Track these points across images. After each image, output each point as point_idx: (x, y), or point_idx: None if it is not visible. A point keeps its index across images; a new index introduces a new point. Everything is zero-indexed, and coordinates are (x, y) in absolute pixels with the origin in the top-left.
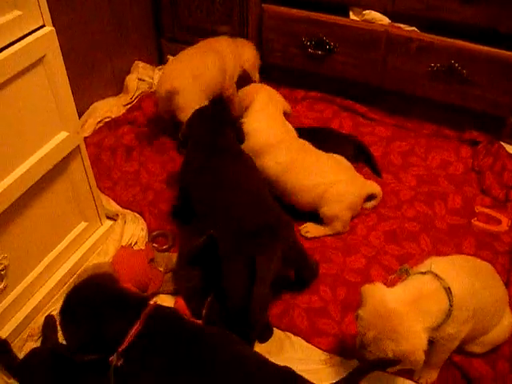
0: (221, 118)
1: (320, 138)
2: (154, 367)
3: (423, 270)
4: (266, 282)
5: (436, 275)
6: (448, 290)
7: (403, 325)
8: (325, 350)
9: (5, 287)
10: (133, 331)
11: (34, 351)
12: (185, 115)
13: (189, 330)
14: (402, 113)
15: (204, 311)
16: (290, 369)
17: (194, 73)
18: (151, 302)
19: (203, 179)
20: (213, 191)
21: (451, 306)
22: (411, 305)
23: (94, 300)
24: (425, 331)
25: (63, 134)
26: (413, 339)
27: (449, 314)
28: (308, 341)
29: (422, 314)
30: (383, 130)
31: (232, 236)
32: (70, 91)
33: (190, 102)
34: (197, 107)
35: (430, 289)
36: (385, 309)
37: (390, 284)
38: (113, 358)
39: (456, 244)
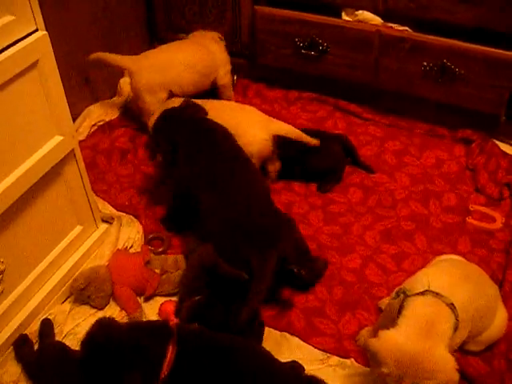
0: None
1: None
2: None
3: (420, 289)
4: (263, 281)
5: (436, 293)
6: (452, 306)
7: (433, 359)
8: (322, 350)
9: (1, 292)
10: (169, 354)
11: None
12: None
13: (218, 343)
14: (395, 112)
15: (185, 311)
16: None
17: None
18: (171, 324)
19: (204, 182)
20: (213, 192)
21: (457, 320)
22: (427, 335)
23: (117, 349)
24: (447, 350)
25: (58, 138)
26: (446, 366)
27: (456, 327)
28: (305, 341)
29: (439, 337)
30: (377, 130)
31: (232, 237)
32: (64, 95)
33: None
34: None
35: (437, 311)
36: (409, 355)
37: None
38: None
39: (451, 242)
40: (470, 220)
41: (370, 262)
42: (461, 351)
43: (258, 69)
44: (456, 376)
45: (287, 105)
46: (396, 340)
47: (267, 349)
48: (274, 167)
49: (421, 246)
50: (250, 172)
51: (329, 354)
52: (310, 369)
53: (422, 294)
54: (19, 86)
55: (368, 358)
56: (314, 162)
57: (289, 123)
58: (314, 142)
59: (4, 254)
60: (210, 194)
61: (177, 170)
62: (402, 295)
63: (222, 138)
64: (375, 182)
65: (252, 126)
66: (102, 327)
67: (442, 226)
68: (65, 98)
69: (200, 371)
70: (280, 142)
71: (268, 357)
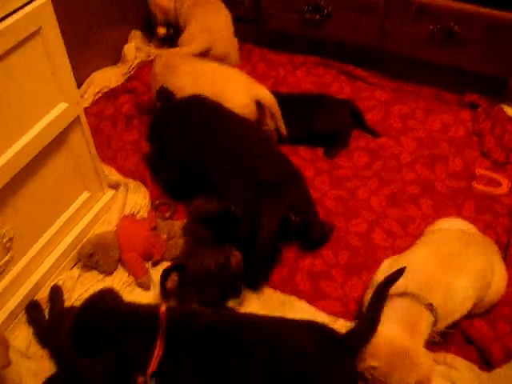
0: None
1: (314, 103)
2: (192, 371)
3: (399, 290)
4: (269, 230)
5: (413, 295)
6: (430, 306)
7: (417, 355)
8: (328, 313)
9: (11, 259)
10: (157, 350)
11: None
12: None
13: (207, 321)
14: (401, 77)
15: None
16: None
17: None
18: (162, 308)
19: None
20: (220, 148)
21: (436, 319)
22: (411, 334)
23: (106, 326)
24: (423, 347)
25: (63, 105)
26: (427, 363)
27: (434, 324)
28: (311, 304)
29: (420, 336)
30: (383, 94)
31: (243, 188)
32: (68, 62)
33: None
34: None
35: (416, 313)
36: (399, 350)
37: None
38: (141, 380)
39: (456, 207)
40: (475, 185)
41: (376, 226)
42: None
43: (263, 33)
44: (432, 372)
45: (292, 69)
46: (386, 335)
47: (273, 312)
48: (269, 128)
49: (426, 211)
50: (246, 126)
51: (335, 317)
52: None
53: (401, 296)
54: (22, 53)
55: None
56: (319, 126)
57: (294, 87)
58: (283, 130)
59: (12, 221)
60: (213, 159)
61: (169, 154)
62: None
63: (208, 109)
64: (381, 147)
65: (234, 91)
66: (97, 302)
67: (447, 190)
68: (69, 64)
69: (191, 357)
70: (286, 104)
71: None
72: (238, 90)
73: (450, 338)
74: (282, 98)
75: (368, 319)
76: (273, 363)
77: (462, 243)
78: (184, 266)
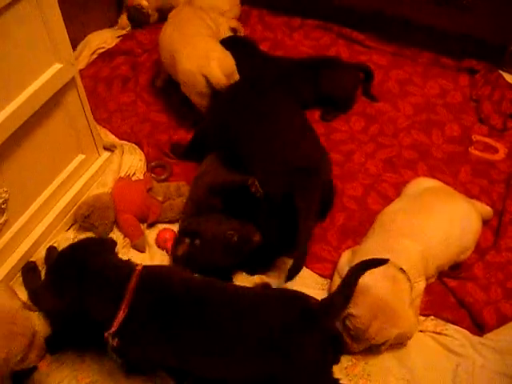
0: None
1: (326, 66)
2: (154, 335)
3: None
4: (311, 215)
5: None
6: (402, 270)
7: (401, 310)
8: (322, 276)
9: (6, 221)
10: (122, 309)
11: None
12: None
13: (180, 287)
14: (400, 41)
15: (180, 250)
16: (291, 290)
17: None
18: (138, 268)
19: (246, 116)
20: (257, 127)
21: (409, 280)
22: (394, 286)
23: (79, 270)
24: (410, 307)
25: (57, 66)
26: (410, 319)
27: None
28: (306, 266)
29: (403, 292)
30: (381, 58)
31: (276, 172)
32: (63, 22)
33: None
34: None
35: (394, 272)
36: (381, 299)
37: None
38: (107, 335)
39: (453, 172)
40: (472, 150)
41: (372, 190)
42: (459, 278)
43: None
44: (415, 331)
45: (290, 31)
46: (368, 283)
47: (268, 274)
48: None
49: (422, 176)
50: (293, 110)
51: (329, 280)
52: (310, 294)
53: None
54: (16, 12)
55: None
56: (326, 88)
57: (292, 51)
58: None
59: (7, 183)
60: (253, 132)
61: (216, 104)
62: None
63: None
64: (378, 111)
65: (186, 57)
66: (78, 250)
67: (443, 155)
68: (63, 25)
69: (155, 321)
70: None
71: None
72: (190, 58)
73: (445, 303)
74: (292, 62)
75: (342, 293)
76: (240, 333)
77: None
78: (197, 233)
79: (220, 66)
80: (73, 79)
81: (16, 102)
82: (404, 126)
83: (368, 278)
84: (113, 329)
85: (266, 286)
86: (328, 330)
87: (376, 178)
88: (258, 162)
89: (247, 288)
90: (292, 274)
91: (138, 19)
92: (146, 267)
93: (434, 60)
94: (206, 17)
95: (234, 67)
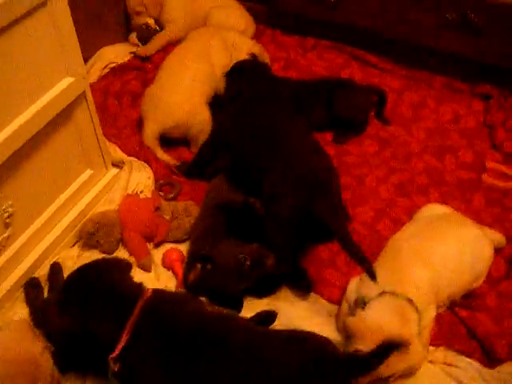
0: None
1: (339, 88)
2: (158, 364)
3: (375, 293)
4: (345, 228)
5: (391, 293)
6: (410, 301)
7: (408, 343)
8: (331, 301)
9: (11, 235)
10: (125, 333)
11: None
12: None
13: (190, 317)
14: (413, 64)
15: (191, 276)
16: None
17: None
18: (148, 290)
19: (252, 132)
20: (264, 141)
21: (417, 311)
22: (401, 321)
23: (87, 289)
24: (418, 339)
25: (69, 80)
26: (418, 350)
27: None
28: (314, 291)
29: (411, 323)
30: (394, 81)
31: (290, 187)
32: (76, 35)
33: None
34: None
35: (401, 304)
36: (388, 335)
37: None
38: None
39: (465, 198)
40: (485, 177)
41: (383, 216)
42: (470, 308)
43: (275, 15)
44: (424, 362)
45: (303, 52)
46: (375, 320)
47: (278, 297)
48: None
49: (434, 201)
50: (303, 127)
51: (337, 306)
52: (318, 321)
53: (381, 295)
54: (29, 24)
55: (344, 336)
56: (339, 109)
57: (305, 71)
58: None
59: (13, 197)
60: (260, 148)
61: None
62: (361, 305)
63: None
64: (391, 135)
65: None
66: (88, 272)
67: (456, 181)
68: (76, 38)
69: (160, 351)
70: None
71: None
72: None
73: (457, 333)
74: (306, 84)
75: (374, 354)
76: (252, 378)
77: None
78: (210, 257)
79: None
80: (83, 93)
81: (25, 116)
82: (417, 151)
83: (376, 313)
84: (115, 353)
85: (270, 314)
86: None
87: (388, 202)
88: (268, 178)
89: (262, 328)
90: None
91: (146, 38)
92: (155, 292)
93: (448, 84)
94: (222, 40)
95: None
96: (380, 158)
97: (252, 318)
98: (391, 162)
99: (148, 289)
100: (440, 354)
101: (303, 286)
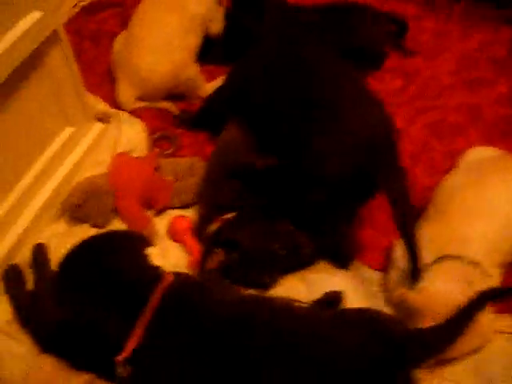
0: None
1: (354, 14)
2: (185, 368)
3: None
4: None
5: (454, 257)
6: (474, 264)
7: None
8: (374, 268)
9: None
10: (137, 330)
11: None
12: None
13: (228, 307)
14: None
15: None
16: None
17: None
18: (167, 276)
19: (285, 78)
20: (305, 89)
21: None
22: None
23: (92, 271)
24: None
25: (37, 14)
26: (487, 324)
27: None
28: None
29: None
30: (410, 8)
31: (341, 146)
32: None
33: None
34: None
35: (464, 271)
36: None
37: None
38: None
39: (508, 136)
40: None
41: (419, 161)
42: None
43: None
44: (490, 338)
45: None
46: (438, 291)
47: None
48: None
49: (475, 142)
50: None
51: (381, 273)
52: (362, 293)
53: (440, 261)
54: None
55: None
56: (355, 38)
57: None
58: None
59: None
60: (297, 97)
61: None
62: None
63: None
64: (415, 68)
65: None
66: (95, 246)
67: (496, 118)
68: None
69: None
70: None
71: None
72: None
73: None
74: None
75: (443, 330)
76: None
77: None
78: (234, 243)
79: None
80: (56, 32)
81: None
82: (447, 85)
83: (438, 285)
84: (124, 354)
85: (337, 295)
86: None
87: (422, 146)
88: (308, 135)
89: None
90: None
91: None
92: (178, 277)
93: (472, 9)
94: None
95: None
96: (406, 94)
97: (318, 301)
98: (419, 100)
99: (168, 273)
100: (507, 322)
101: (342, 256)
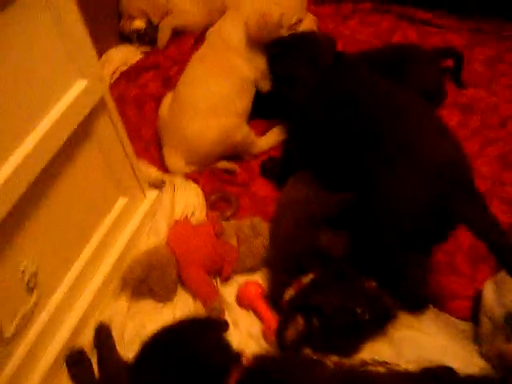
0: None
1: (405, 58)
2: None
3: None
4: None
5: None
6: None
7: None
8: (460, 318)
9: (37, 301)
10: None
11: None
12: None
13: None
14: (475, 14)
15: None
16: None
17: None
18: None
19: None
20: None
21: None
22: None
23: (168, 355)
24: None
25: (83, 83)
26: None
27: None
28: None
29: None
30: (457, 38)
31: (415, 177)
32: (85, 29)
33: None
34: None
35: None
36: None
37: None
38: None
39: None
40: None
41: (493, 197)
42: None
43: None
44: None
45: (342, 20)
46: None
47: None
48: None
49: None
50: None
51: (470, 323)
52: (453, 348)
53: None
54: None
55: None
56: (413, 84)
57: (349, 42)
58: None
59: (32, 251)
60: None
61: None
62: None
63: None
64: (471, 99)
65: None
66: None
67: None
68: (85, 31)
69: None
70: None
71: None
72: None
73: None
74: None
75: None
76: None
77: None
78: (316, 308)
79: None
80: (102, 99)
81: (37, 133)
82: (508, 113)
83: None
84: None
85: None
86: None
87: (493, 181)
88: (381, 171)
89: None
90: None
91: (145, 41)
92: (255, 359)
93: None
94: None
95: None
96: (467, 128)
97: (427, 370)
98: (484, 131)
99: (245, 356)
100: None
101: (419, 301)
